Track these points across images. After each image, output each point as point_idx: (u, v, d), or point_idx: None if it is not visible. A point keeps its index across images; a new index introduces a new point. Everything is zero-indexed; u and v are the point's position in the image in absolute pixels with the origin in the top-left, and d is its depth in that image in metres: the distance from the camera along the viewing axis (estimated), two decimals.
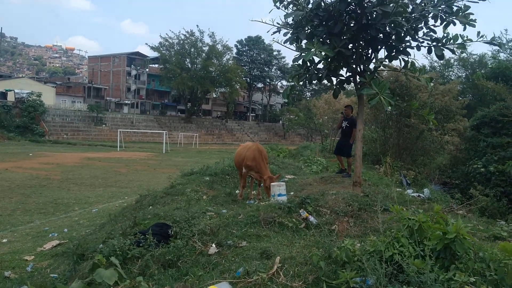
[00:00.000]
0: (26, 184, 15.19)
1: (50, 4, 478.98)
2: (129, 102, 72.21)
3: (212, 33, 69.12)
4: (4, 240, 7.59)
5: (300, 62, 7.25)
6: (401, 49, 7.19)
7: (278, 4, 7.14)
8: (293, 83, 8.10)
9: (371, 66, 7.40)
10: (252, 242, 4.49)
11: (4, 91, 50.20)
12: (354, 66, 7.23)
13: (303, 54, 6.48)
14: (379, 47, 7.37)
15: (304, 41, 6.84)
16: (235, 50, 79.18)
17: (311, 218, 5.35)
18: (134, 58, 75.46)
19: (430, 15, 6.88)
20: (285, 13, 7.00)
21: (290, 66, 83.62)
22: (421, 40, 7.08)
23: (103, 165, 24.14)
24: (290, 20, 7.20)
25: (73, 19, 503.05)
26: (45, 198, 12.67)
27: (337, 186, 8.56)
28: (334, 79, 7.64)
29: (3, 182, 15.27)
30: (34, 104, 47.91)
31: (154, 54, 69.82)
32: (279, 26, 7.05)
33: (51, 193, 13.68)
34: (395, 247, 3.35)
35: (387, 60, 7.41)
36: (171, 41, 66.30)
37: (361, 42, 7.32)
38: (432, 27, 7.06)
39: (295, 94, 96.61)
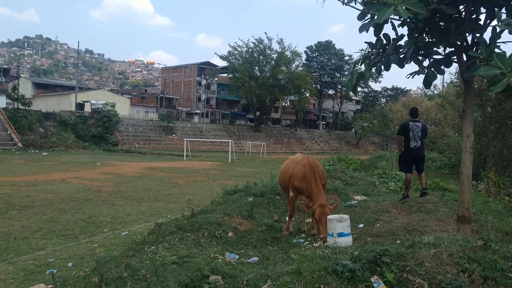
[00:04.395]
0: (72, 197, 14.23)
1: (133, 22, 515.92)
2: (199, 111, 72.90)
3: (281, 39, 67.46)
4: None
5: (371, 32, 4.85)
6: None
7: None
8: (361, 71, 5.70)
9: (486, 36, 4.78)
10: None
11: (82, 102, 52.65)
12: (458, 35, 4.65)
13: (375, 16, 4.11)
14: (497, 8, 4.74)
15: None
16: (304, 57, 76.81)
17: None
18: (204, 68, 76.33)
19: None
20: None
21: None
22: None
23: (162, 175, 23.17)
24: None
25: (154, 35, 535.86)
26: (81, 215, 11.39)
27: (428, 218, 5.91)
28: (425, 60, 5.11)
29: (49, 195, 14.45)
30: (109, 114, 49.49)
31: (224, 63, 69.81)
32: None
33: (91, 208, 12.45)
34: None
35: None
36: (240, 49, 65.79)
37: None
38: None
39: (370, 99, 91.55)
